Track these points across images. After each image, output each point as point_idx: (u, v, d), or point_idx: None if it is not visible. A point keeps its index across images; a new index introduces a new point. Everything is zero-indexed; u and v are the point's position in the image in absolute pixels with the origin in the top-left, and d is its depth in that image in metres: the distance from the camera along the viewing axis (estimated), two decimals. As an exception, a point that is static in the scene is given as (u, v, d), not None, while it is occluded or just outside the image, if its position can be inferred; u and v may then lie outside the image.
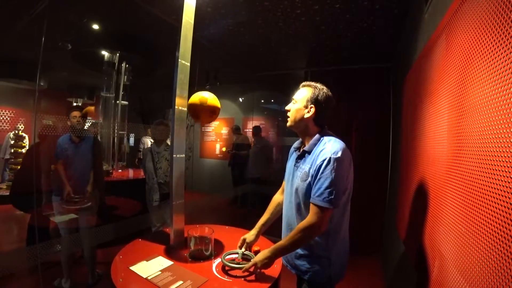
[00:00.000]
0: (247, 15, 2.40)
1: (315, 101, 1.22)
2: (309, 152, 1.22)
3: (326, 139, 1.21)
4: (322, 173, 1.12)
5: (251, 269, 1.19)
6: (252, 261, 1.20)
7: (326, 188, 1.10)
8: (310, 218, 1.14)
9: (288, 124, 1.31)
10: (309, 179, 1.18)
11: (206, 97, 1.57)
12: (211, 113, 1.60)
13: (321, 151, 1.17)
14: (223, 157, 5.71)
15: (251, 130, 5.18)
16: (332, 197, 1.10)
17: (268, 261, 1.18)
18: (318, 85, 1.26)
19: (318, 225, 1.12)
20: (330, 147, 1.15)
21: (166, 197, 2.62)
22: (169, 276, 1.18)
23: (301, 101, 1.25)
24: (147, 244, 1.53)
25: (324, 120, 1.27)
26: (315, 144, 1.22)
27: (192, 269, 1.26)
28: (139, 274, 1.19)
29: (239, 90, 5.91)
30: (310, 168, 1.19)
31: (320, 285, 1.23)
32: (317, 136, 1.24)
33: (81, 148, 2.43)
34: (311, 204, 1.15)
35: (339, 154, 1.12)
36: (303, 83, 1.30)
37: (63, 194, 2.32)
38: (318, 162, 1.14)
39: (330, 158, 1.11)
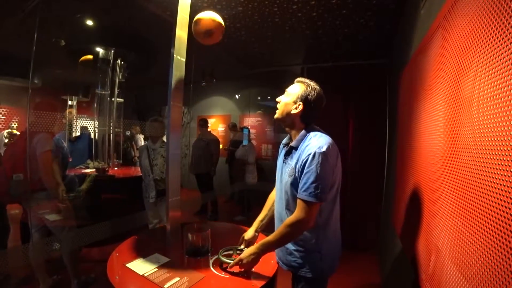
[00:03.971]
0: (243, 10, 2.38)
1: (304, 99, 1.23)
2: (296, 148, 1.23)
3: (312, 134, 1.21)
4: (307, 168, 1.12)
5: (238, 266, 1.19)
6: (238, 258, 1.20)
7: (312, 182, 1.11)
8: (297, 213, 1.15)
9: (275, 116, 1.31)
10: (296, 174, 1.18)
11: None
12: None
13: (307, 146, 1.17)
14: (220, 154, 5.70)
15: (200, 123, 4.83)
16: (318, 191, 1.10)
17: (255, 257, 1.18)
18: (312, 84, 1.25)
19: (306, 220, 1.13)
20: (315, 142, 1.16)
21: (162, 193, 2.62)
22: (165, 273, 1.17)
23: (291, 95, 1.26)
24: (143, 241, 1.53)
25: (310, 119, 1.27)
26: (301, 140, 1.22)
27: (188, 266, 1.26)
28: (135, 271, 1.19)
29: (235, 87, 5.89)
30: (296, 163, 1.19)
31: (313, 279, 1.24)
32: (303, 132, 1.24)
33: (77, 146, 2.41)
34: (298, 199, 1.16)
35: (324, 149, 1.12)
36: (298, 79, 1.30)
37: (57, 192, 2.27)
38: (304, 157, 1.15)
39: (315, 152, 1.12)
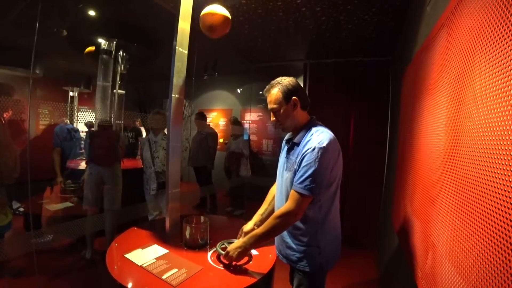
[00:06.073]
0: (247, 3, 2.36)
1: (289, 93, 1.25)
2: (298, 144, 1.24)
3: (314, 130, 1.22)
4: (306, 161, 1.13)
5: (228, 259, 1.20)
6: (226, 250, 1.21)
7: (309, 176, 1.12)
8: (288, 204, 1.16)
9: (285, 130, 1.33)
10: (296, 168, 1.19)
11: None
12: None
13: (308, 141, 1.18)
14: (221, 148, 5.70)
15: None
16: (313, 185, 1.11)
17: (242, 250, 1.18)
18: (277, 79, 1.29)
19: (295, 212, 1.14)
20: (316, 137, 1.17)
21: (163, 186, 2.63)
22: (164, 264, 1.19)
23: (280, 103, 1.26)
24: (142, 232, 1.54)
25: (306, 101, 1.29)
26: (303, 135, 1.23)
27: (187, 257, 1.27)
28: (134, 261, 1.20)
29: (237, 81, 5.86)
30: (296, 158, 1.20)
31: (311, 274, 1.25)
32: (305, 128, 1.25)
33: (77, 137, 2.41)
34: (291, 191, 1.17)
35: (324, 144, 1.13)
36: (265, 91, 1.32)
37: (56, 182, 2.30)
38: (303, 151, 1.16)
39: (315, 147, 1.13)
